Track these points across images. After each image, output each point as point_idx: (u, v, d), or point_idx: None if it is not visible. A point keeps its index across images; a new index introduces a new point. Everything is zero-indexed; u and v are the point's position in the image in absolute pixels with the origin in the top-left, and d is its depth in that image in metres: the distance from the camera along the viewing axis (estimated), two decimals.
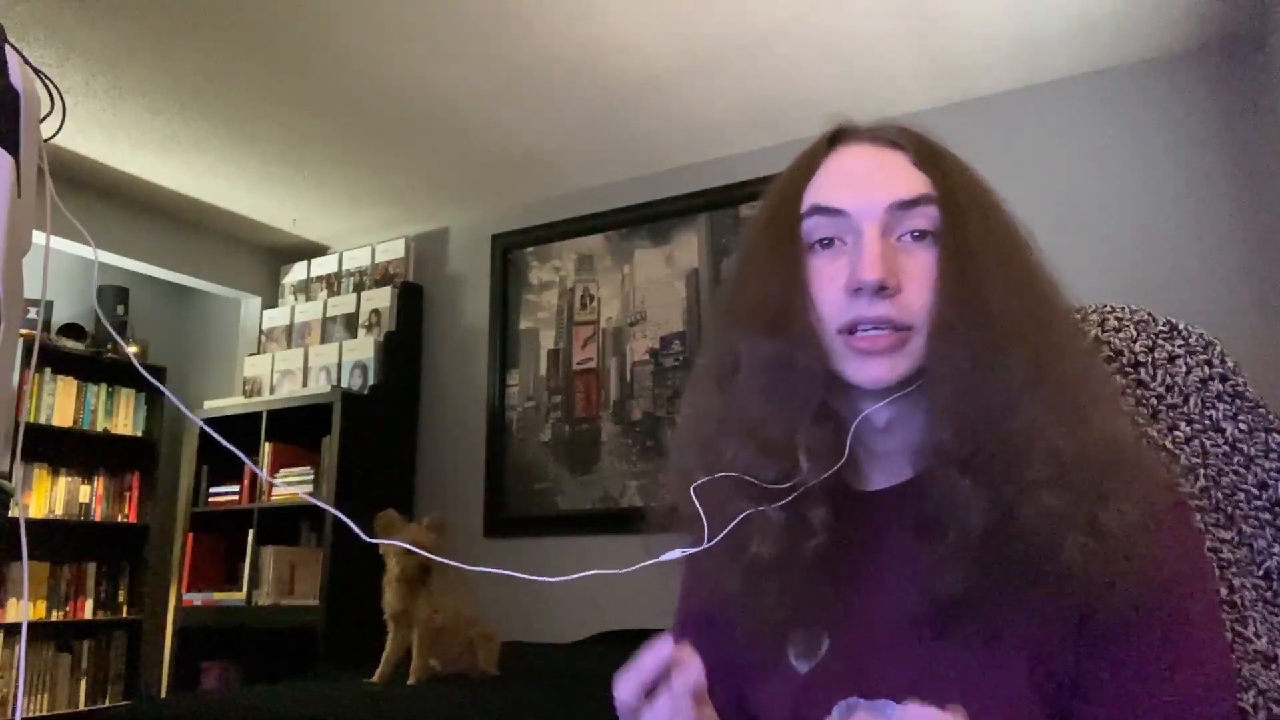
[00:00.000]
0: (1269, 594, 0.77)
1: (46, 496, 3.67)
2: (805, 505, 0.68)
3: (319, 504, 0.73)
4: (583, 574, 0.65)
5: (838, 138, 0.76)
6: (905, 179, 0.70)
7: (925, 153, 0.71)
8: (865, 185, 0.70)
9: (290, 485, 3.39)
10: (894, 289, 0.66)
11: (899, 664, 0.67)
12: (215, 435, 0.75)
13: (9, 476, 1.01)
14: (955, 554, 0.63)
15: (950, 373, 0.65)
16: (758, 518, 0.67)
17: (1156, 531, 0.61)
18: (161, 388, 0.79)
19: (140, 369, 0.84)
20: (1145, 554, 0.60)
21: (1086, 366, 0.68)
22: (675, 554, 0.63)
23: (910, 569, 0.67)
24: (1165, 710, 0.61)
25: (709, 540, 0.63)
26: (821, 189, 0.72)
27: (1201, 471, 0.80)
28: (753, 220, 0.79)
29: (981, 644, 0.64)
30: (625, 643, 0.75)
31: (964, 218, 0.68)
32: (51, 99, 1.14)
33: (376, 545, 2.38)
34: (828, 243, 0.70)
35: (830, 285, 0.69)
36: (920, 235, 0.68)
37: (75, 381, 3.77)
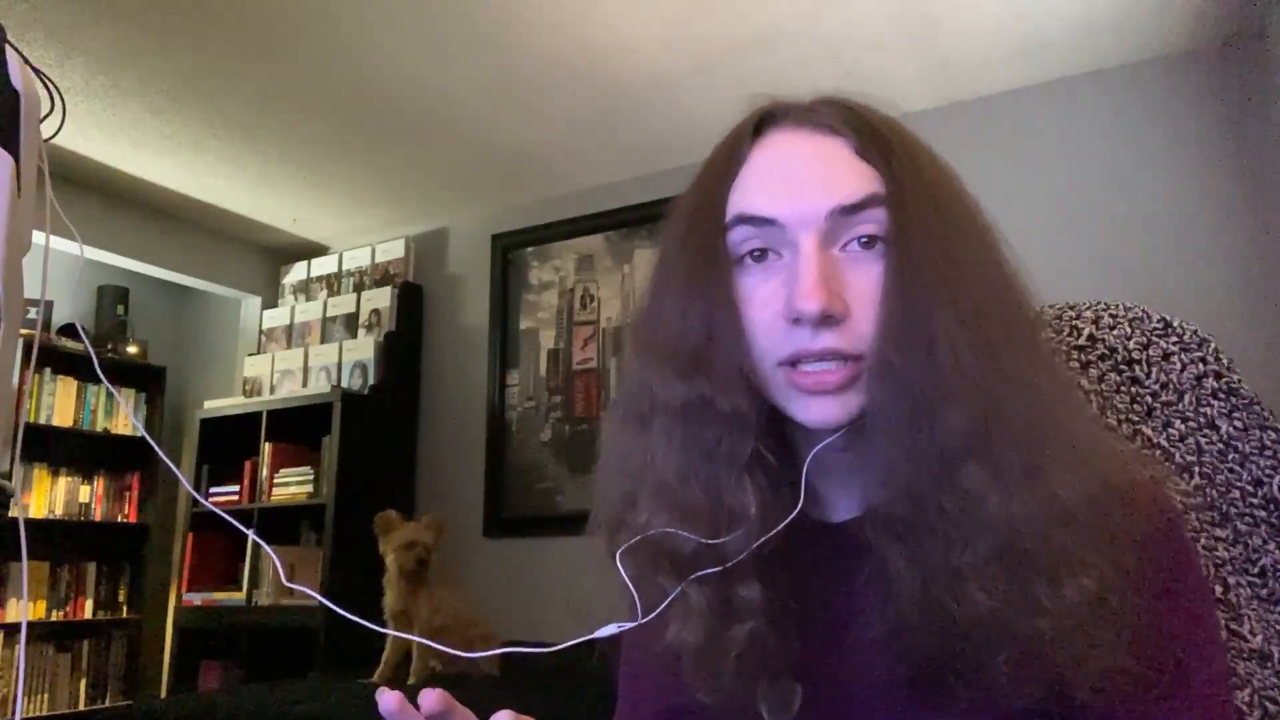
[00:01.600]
0: (1264, 591, 0.77)
1: (46, 496, 3.67)
2: (737, 581, 0.57)
3: (255, 537, 0.73)
4: (504, 649, 0.63)
5: (764, 122, 0.64)
6: (848, 176, 0.58)
7: (870, 138, 0.60)
8: (800, 187, 0.59)
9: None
10: (840, 315, 0.56)
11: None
12: (161, 452, 0.75)
13: (9, 476, 1.01)
14: (910, 622, 0.55)
15: (886, 425, 0.55)
16: (683, 595, 0.57)
17: (1132, 593, 0.53)
18: (118, 394, 0.79)
19: (104, 380, 0.84)
20: (1117, 624, 0.52)
21: (1049, 405, 0.56)
22: (610, 629, 0.56)
23: (883, 619, 0.57)
24: None
25: (642, 616, 0.56)
26: (748, 192, 0.60)
27: (1196, 469, 0.80)
28: (668, 230, 0.65)
29: (961, 703, 0.55)
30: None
31: (914, 224, 0.57)
32: (51, 99, 1.15)
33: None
34: (760, 255, 0.59)
35: (765, 311, 0.58)
36: (869, 242, 0.58)
37: (75, 381, 3.77)
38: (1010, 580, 0.52)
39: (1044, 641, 0.51)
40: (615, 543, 0.60)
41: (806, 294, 0.55)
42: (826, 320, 0.56)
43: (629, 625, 0.55)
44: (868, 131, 0.60)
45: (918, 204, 0.58)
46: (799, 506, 0.57)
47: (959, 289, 0.56)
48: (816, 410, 0.57)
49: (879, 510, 0.56)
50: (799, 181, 0.59)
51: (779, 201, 0.59)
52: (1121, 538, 0.54)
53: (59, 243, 1.50)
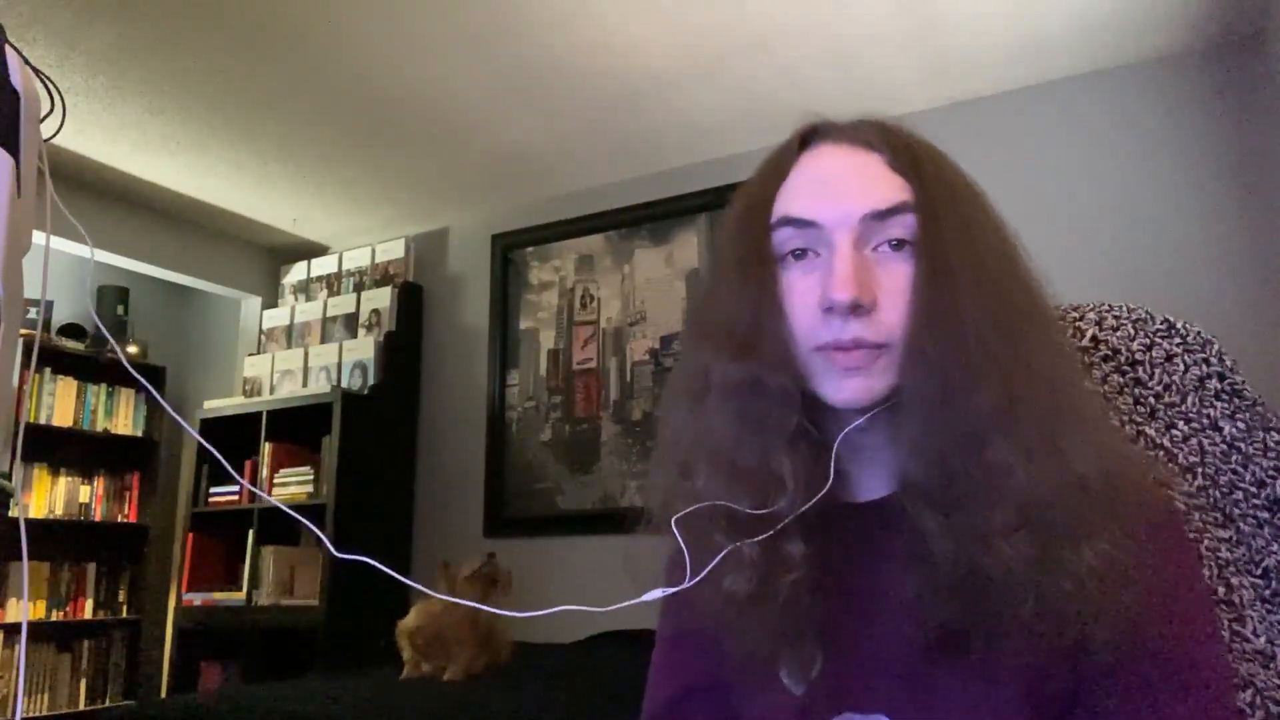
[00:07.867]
0: (1267, 592, 0.77)
1: (46, 496, 3.67)
2: (783, 538, 0.64)
3: (299, 517, 0.73)
4: (556, 610, 0.62)
5: (809, 138, 0.71)
6: (880, 186, 0.65)
7: (902, 154, 0.67)
8: (837, 194, 0.66)
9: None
10: (868, 306, 0.62)
11: (894, 685, 0.65)
12: (203, 442, 0.75)
13: (9, 476, 1.00)
14: (938, 584, 0.60)
15: (919, 405, 0.61)
16: (734, 552, 0.63)
17: (1140, 564, 0.58)
18: (153, 392, 0.79)
19: (134, 373, 0.84)
20: (1129, 588, 0.58)
21: (1066, 390, 0.63)
22: (656, 594, 0.60)
23: (902, 588, 0.64)
24: None
25: (690, 578, 0.61)
26: (793, 198, 0.68)
27: (1199, 470, 0.80)
28: (722, 227, 0.74)
29: (977, 665, 0.61)
30: (624, 643, 0.76)
31: (942, 228, 0.64)
32: (51, 99, 1.14)
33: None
34: (800, 254, 0.66)
35: (803, 302, 0.65)
36: (898, 245, 0.64)
37: (75, 381, 3.77)
38: (1036, 543, 0.58)
39: (1068, 599, 0.57)
40: (670, 510, 0.64)
41: (839, 285, 0.62)
42: (856, 310, 0.62)
43: (675, 589, 0.60)
44: (900, 147, 0.67)
45: (944, 211, 0.64)
46: (830, 479, 0.64)
47: (984, 285, 0.62)
48: (846, 391, 0.64)
49: (913, 481, 0.62)
50: (837, 189, 0.66)
51: (819, 206, 0.66)
52: (1130, 510, 0.60)
53: (59, 242, 1.50)
